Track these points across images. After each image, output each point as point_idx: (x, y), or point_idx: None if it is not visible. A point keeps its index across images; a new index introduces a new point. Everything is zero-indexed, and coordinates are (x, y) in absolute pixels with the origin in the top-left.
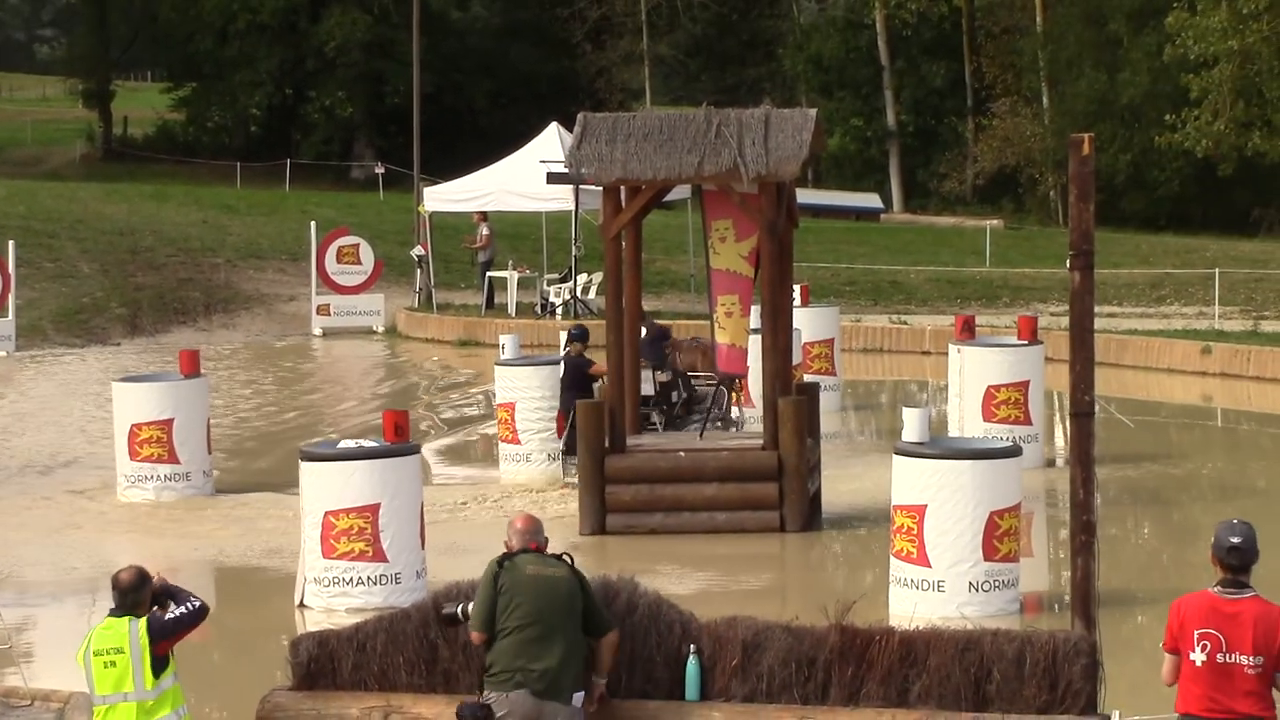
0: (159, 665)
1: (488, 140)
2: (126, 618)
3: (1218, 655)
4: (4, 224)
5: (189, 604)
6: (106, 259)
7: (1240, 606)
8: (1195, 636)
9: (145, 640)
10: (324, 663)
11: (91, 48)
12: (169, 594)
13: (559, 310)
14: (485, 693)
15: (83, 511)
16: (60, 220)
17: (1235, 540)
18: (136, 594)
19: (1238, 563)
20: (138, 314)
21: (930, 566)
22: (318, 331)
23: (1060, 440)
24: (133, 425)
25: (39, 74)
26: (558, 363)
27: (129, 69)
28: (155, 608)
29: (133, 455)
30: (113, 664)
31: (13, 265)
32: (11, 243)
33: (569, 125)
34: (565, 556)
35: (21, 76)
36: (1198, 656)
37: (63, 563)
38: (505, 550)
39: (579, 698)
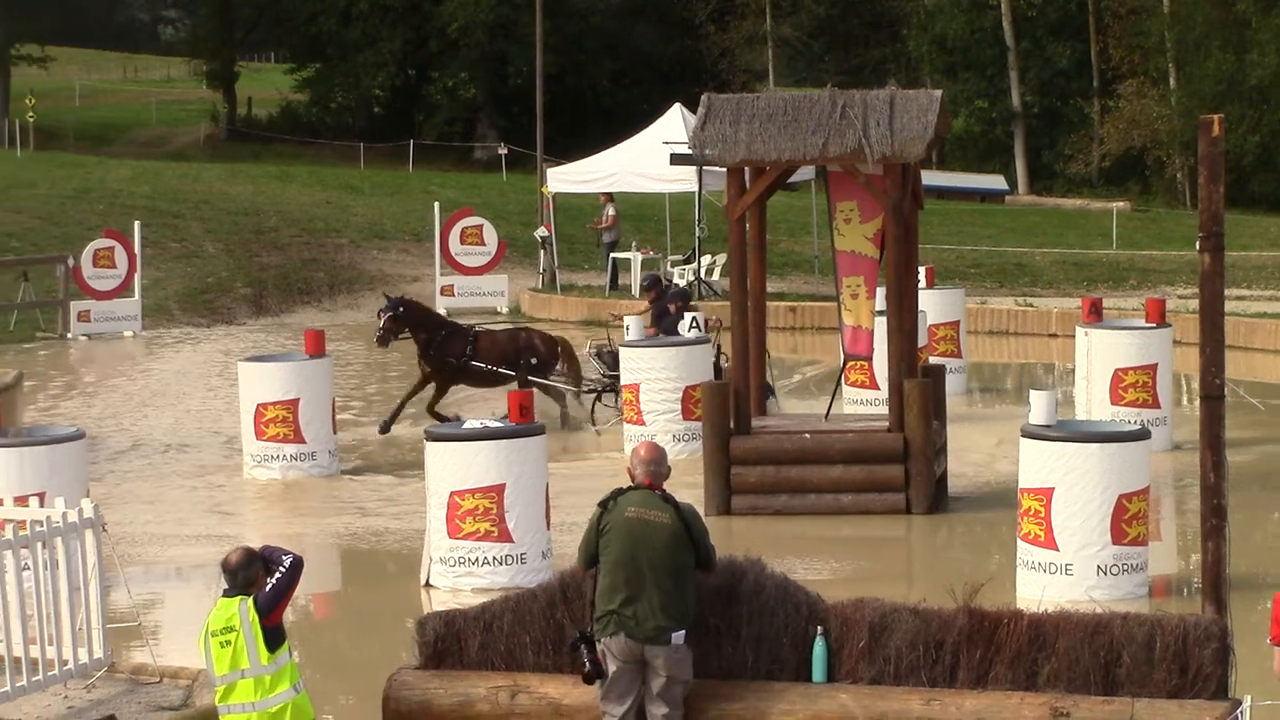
0: (272, 640)
1: (611, 121)
2: (238, 597)
3: None
4: (130, 204)
5: (281, 566)
6: (231, 239)
7: None
8: None
9: (254, 616)
10: (451, 642)
11: (216, 29)
12: (266, 559)
13: None
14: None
15: (208, 491)
16: (185, 201)
17: None
18: (246, 572)
19: None
20: (262, 294)
21: (1058, 550)
22: (442, 312)
23: (1189, 423)
24: (259, 405)
25: (164, 55)
26: (682, 344)
27: (253, 50)
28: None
29: (258, 435)
30: (228, 643)
31: (138, 246)
32: (137, 223)
33: (692, 106)
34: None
35: (147, 58)
36: None
37: (189, 541)
38: (629, 478)
39: (678, 636)
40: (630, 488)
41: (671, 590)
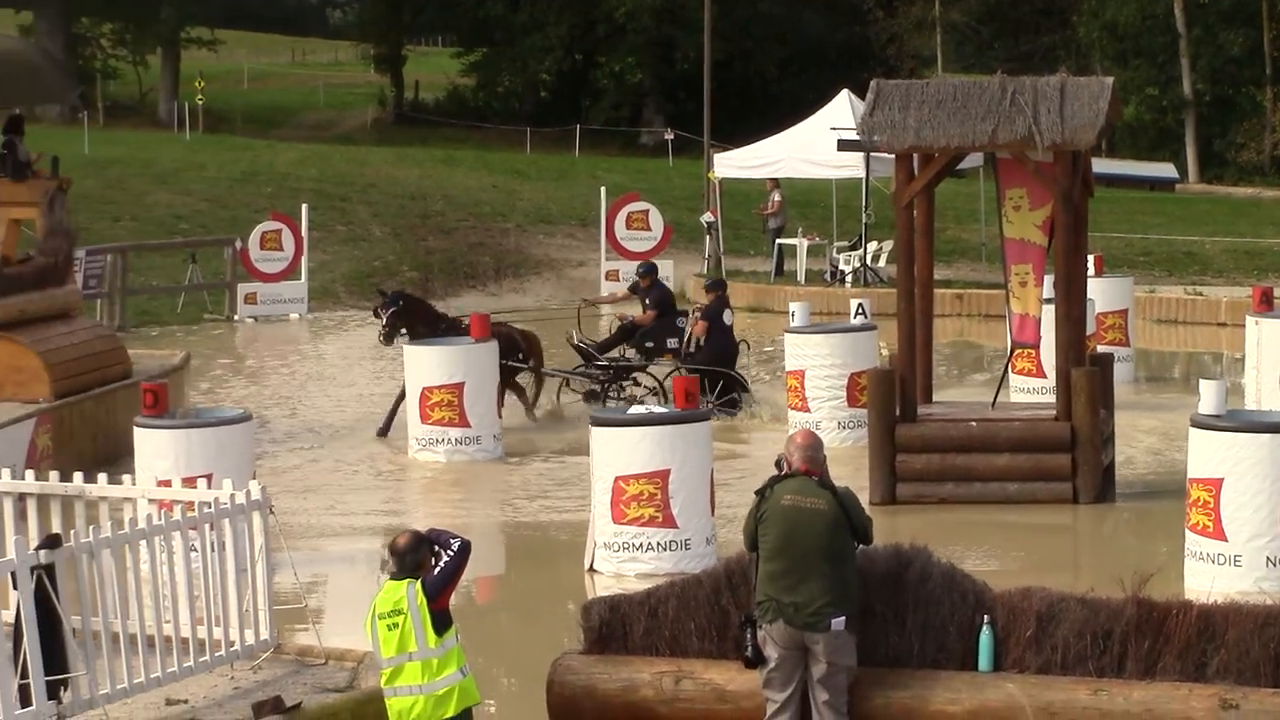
0: (440, 623)
1: (778, 107)
2: (405, 580)
3: None
4: (297, 187)
5: (449, 549)
6: (398, 223)
7: None
8: None
9: (422, 600)
10: (615, 627)
11: (384, 13)
12: (434, 542)
13: (848, 278)
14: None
15: (374, 473)
16: (352, 184)
17: None
18: (414, 556)
19: None
20: (428, 277)
21: (1227, 540)
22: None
23: None
24: (424, 388)
25: (331, 39)
26: (845, 330)
27: (420, 34)
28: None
29: (424, 418)
30: (395, 626)
31: (305, 229)
32: (304, 206)
33: (860, 92)
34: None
35: (315, 41)
36: None
37: (354, 524)
38: (786, 464)
39: (838, 622)
40: (787, 474)
41: (831, 575)
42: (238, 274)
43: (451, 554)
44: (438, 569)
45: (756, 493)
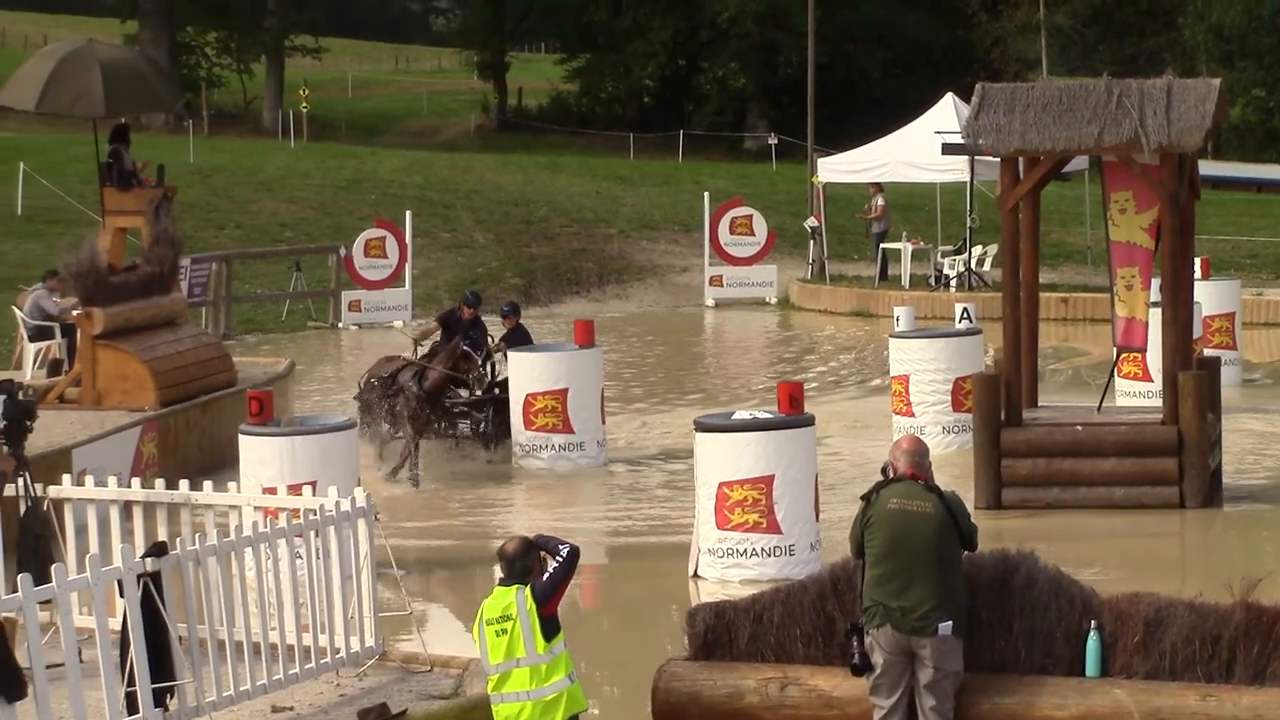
0: (549, 629)
1: (881, 110)
2: (514, 586)
3: None
4: (401, 194)
5: (559, 555)
6: (501, 229)
7: None
8: None
9: (532, 605)
10: (721, 633)
11: (486, 19)
12: (542, 548)
13: (953, 282)
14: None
15: (479, 481)
16: (456, 191)
17: None
18: (524, 561)
19: None
20: (532, 284)
21: None
22: (710, 302)
23: None
24: (528, 395)
25: (435, 46)
26: (951, 335)
27: (523, 40)
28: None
29: (527, 425)
30: (504, 631)
31: (409, 236)
32: (408, 213)
33: (964, 96)
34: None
35: (418, 48)
36: None
37: (458, 530)
38: (891, 470)
39: (945, 627)
40: (893, 479)
41: (938, 580)
42: (342, 281)
43: (561, 559)
44: (549, 575)
45: (862, 498)
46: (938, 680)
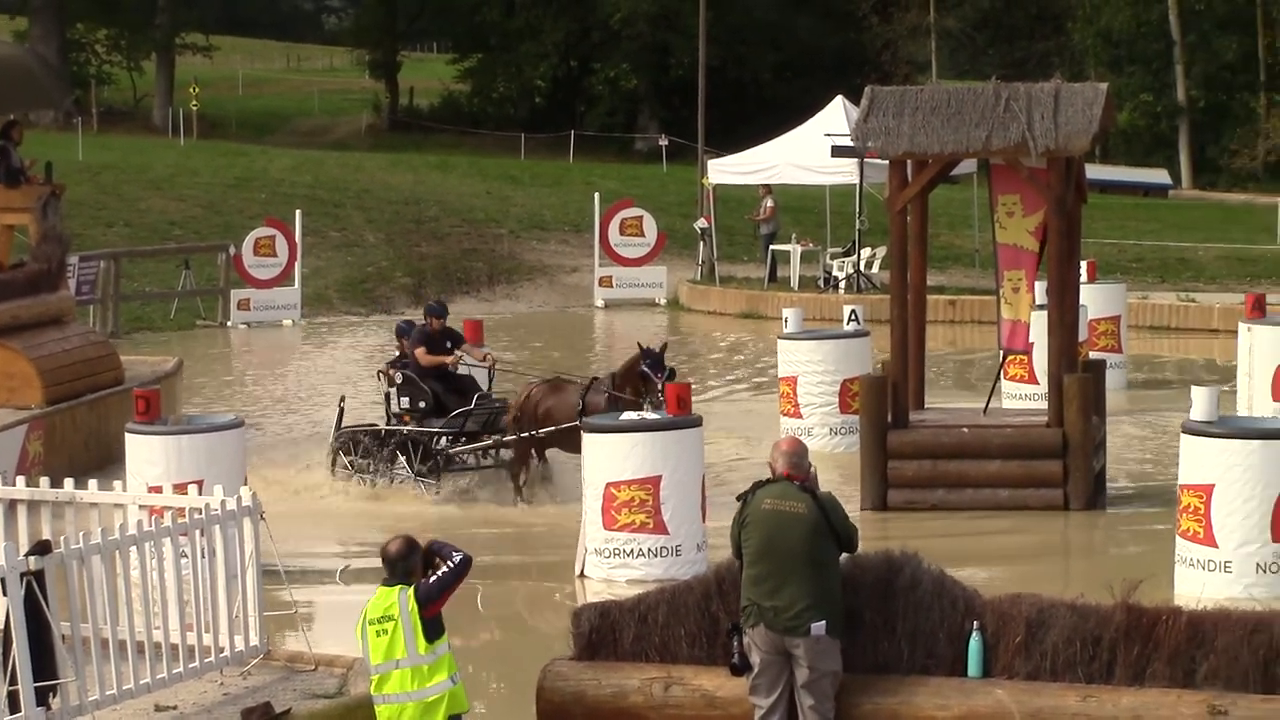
0: (431, 631)
1: (772, 113)
2: (397, 587)
3: None
4: (291, 193)
5: (450, 561)
6: (391, 229)
7: None
8: None
9: (414, 606)
10: (605, 633)
11: (379, 19)
12: (435, 553)
13: (842, 284)
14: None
15: (367, 481)
16: (346, 190)
17: None
18: (406, 563)
19: None
20: (422, 283)
21: (1217, 547)
22: (600, 303)
23: None
24: None
25: (326, 44)
26: (838, 336)
27: (415, 40)
28: (429, 570)
29: None
30: (385, 632)
31: (299, 234)
32: (298, 212)
33: (854, 98)
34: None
35: (310, 47)
36: None
37: (344, 530)
38: (771, 471)
39: (819, 627)
40: (770, 480)
41: (812, 580)
42: (231, 280)
43: (451, 565)
44: (435, 578)
45: (739, 498)
46: (814, 680)
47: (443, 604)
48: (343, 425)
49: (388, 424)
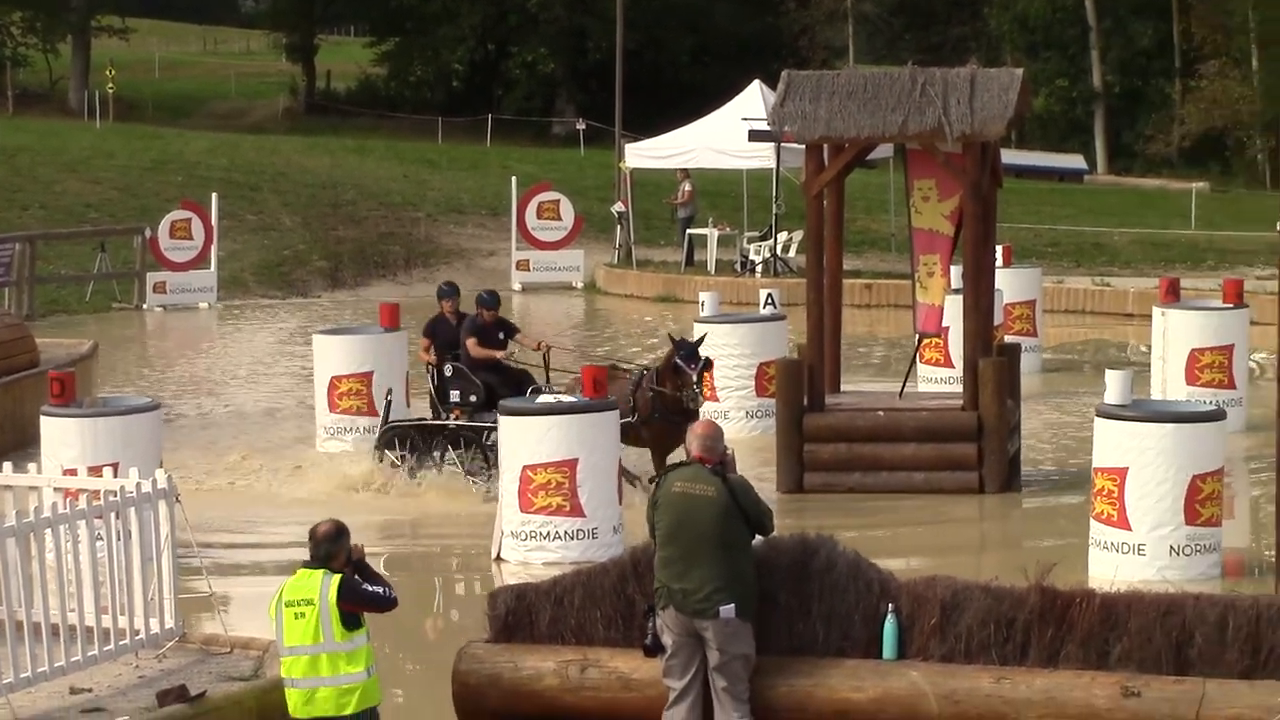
0: (349, 621)
1: (689, 97)
2: (320, 571)
3: None
4: (207, 176)
5: (385, 589)
6: (308, 212)
7: None
8: None
9: (334, 597)
10: (521, 616)
11: (295, 2)
12: (364, 572)
13: (759, 268)
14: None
15: (282, 463)
16: (262, 173)
17: None
18: (331, 545)
19: None
20: (338, 267)
21: (1131, 530)
22: (517, 287)
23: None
24: (333, 377)
25: (243, 28)
26: (755, 320)
27: (332, 23)
28: (353, 569)
29: (332, 407)
30: (302, 615)
31: (215, 218)
32: (214, 195)
33: (771, 83)
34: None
35: (226, 30)
36: None
37: (260, 514)
38: (686, 453)
39: (728, 610)
40: (683, 463)
41: (721, 562)
42: (147, 263)
43: (379, 594)
44: (369, 589)
45: (652, 480)
46: (725, 663)
47: (357, 610)
48: (390, 419)
49: (436, 417)
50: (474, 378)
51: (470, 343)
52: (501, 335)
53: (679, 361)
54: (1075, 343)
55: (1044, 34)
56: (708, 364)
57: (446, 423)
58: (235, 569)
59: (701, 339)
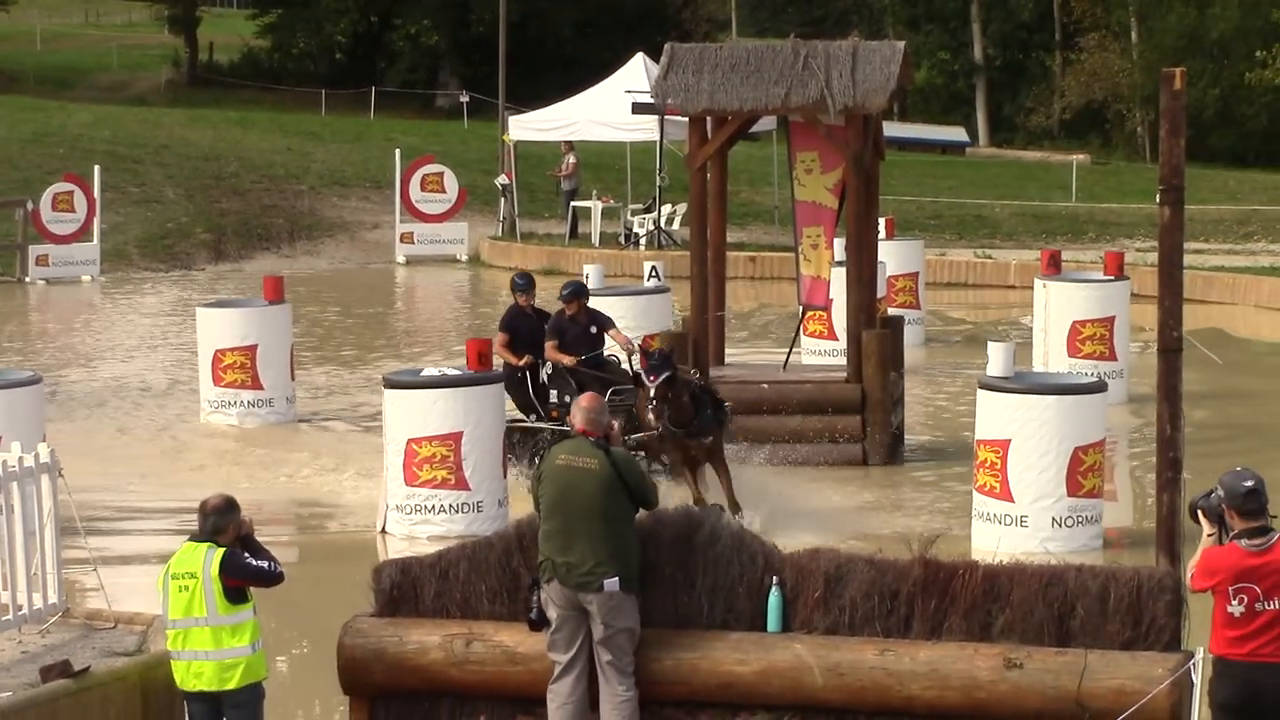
0: (233, 595)
1: (573, 69)
2: (206, 544)
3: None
4: (89, 149)
5: (271, 564)
6: (191, 185)
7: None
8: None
9: (216, 570)
10: (406, 590)
11: None
12: (251, 546)
13: (642, 241)
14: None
15: (166, 437)
16: (145, 146)
17: (1249, 484)
18: (219, 519)
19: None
20: (222, 240)
21: (1013, 501)
22: (401, 259)
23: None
24: (217, 351)
25: (125, 0)
26: (639, 293)
27: None
28: (242, 546)
29: (216, 381)
30: (186, 589)
31: (98, 190)
32: (97, 168)
33: (655, 55)
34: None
35: (108, 2)
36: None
37: (146, 488)
38: (571, 427)
39: (611, 583)
40: (567, 436)
41: (604, 536)
42: (29, 236)
43: (265, 568)
44: (255, 564)
45: (539, 453)
46: (609, 636)
47: (242, 585)
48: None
49: (538, 418)
50: (569, 378)
51: (549, 346)
52: (595, 329)
53: (640, 373)
54: (957, 315)
55: (926, 7)
56: (669, 378)
57: (549, 425)
58: (119, 545)
59: (671, 352)
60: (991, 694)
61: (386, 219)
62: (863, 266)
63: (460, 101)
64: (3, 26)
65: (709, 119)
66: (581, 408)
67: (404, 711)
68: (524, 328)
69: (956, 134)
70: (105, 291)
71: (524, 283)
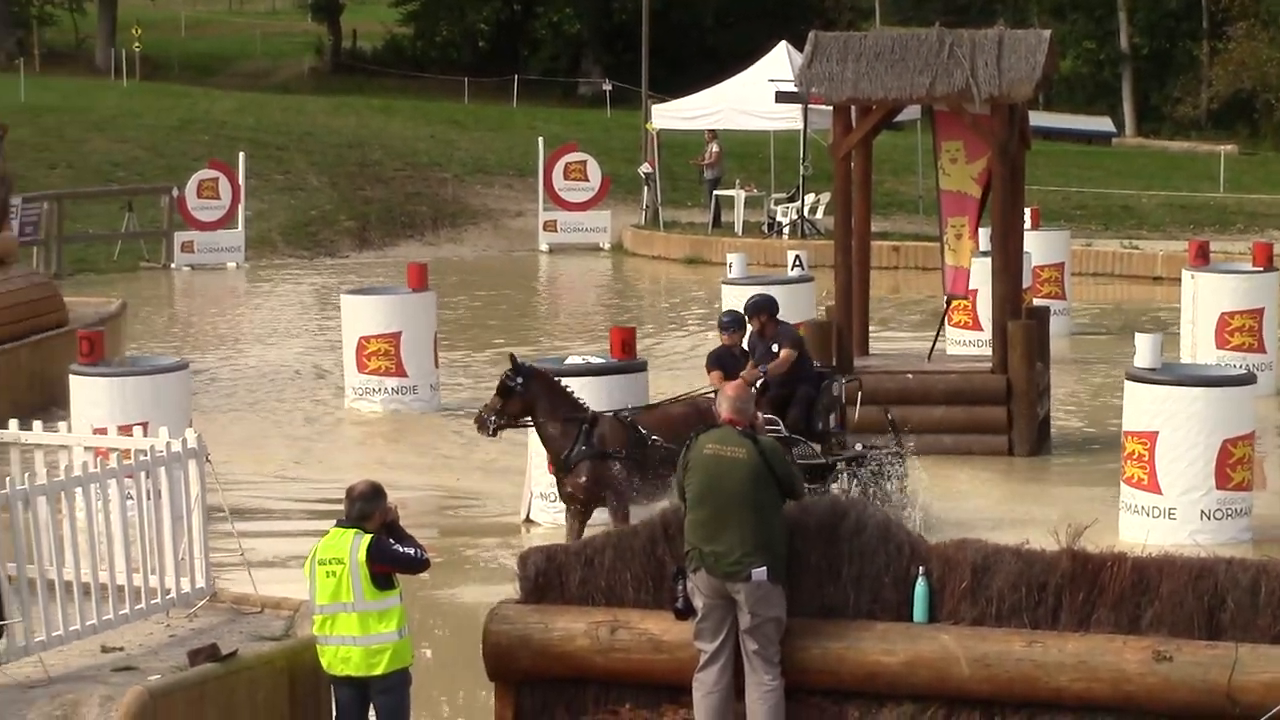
0: (379, 581)
1: (716, 58)
2: (352, 530)
3: None
4: (234, 136)
5: (418, 551)
6: (335, 172)
7: None
8: None
9: (363, 556)
10: (552, 577)
11: None
12: (396, 533)
13: (785, 230)
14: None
15: (310, 424)
16: (289, 133)
17: None
18: (366, 505)
19: None
20: (365, 227)
21: (1162, 493)
22: (544, 248)
23: None
24: (361, 338)
25: None
26: (784, 282)
27: None
28: (388, 532)
29: (360, 368)
30: (333, 574)
31: (243, 177)
32: (241, 154)
33: (798, 44)
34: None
35: None
36: None
37: (291, 474)
38: (717, 416)
39: (759, 573)
40: (712, 427)
41: (752, 525)
42: (174, 222)
43: (412, 554)
44: (401, 550)
45: (683, 442)
46: (757, 625)
47: (387, 571)
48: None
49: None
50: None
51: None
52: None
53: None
54: (1104, 306)
55: None
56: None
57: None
58: (264, 529)
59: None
60: (1140, 687)
61: (530, 207)
62: (1008, 256)
63: (603, 90)
64: (148, 14)
65: (853, 108)
66: (728, 396)
67: (549, 698)
68: (729, 369)
69: (1102, 124)
70: (250, 278)
71: (730, 323)
